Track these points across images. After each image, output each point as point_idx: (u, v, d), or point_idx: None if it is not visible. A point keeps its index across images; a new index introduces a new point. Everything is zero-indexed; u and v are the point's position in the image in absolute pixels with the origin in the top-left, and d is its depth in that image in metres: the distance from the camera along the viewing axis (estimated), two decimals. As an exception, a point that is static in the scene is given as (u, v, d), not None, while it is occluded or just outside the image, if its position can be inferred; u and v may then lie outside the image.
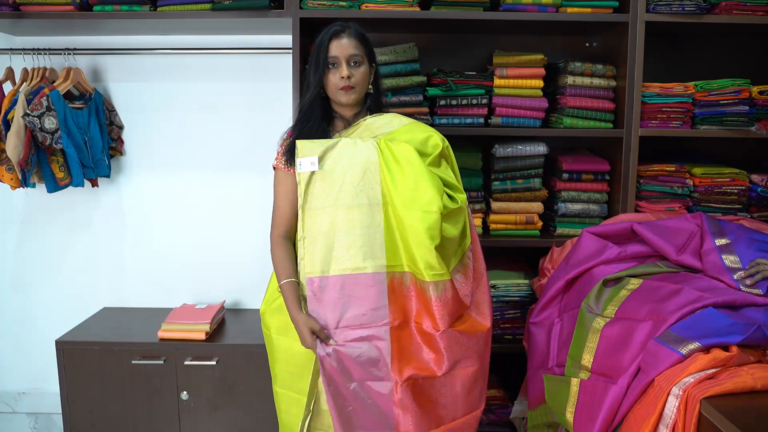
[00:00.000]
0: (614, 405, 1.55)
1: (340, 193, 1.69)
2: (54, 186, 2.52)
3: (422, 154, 1.76)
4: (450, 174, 1.79)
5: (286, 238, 1.79)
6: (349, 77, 1.73)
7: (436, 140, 1.78)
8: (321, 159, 1.70)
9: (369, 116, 1.83)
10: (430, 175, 1.69)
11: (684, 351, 1.46)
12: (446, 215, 1.68)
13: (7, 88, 2.55)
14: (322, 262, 1.68)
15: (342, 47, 1.74)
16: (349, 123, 1.83)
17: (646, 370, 1.51)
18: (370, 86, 1.83)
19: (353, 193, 1.69)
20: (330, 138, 1.79)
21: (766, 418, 1.29)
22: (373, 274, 1.67)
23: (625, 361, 1.58)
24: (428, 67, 2.44)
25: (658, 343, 1.51)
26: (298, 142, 1.72)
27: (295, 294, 1.72)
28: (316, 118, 1.79)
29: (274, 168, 1.83)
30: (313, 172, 1.69)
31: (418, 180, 1.68)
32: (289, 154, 1.77)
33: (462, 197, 1.76)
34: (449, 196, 1.74)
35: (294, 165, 1.75)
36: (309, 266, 1.69)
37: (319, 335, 1.67)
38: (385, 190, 1.70)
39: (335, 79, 1.75)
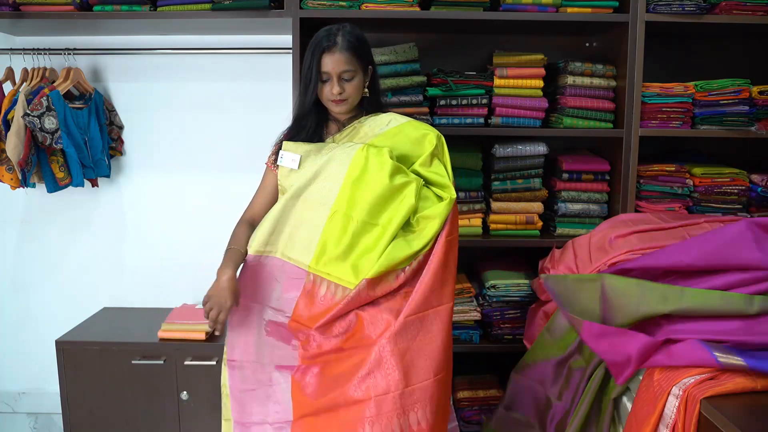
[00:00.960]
0: None
1: (303, 187, 1.73)
2: (54, 186, 2.52)
3: (414, 156, 1.77)
4: (441, 172, 1.78)
5: (249, 223, 1.84)
6: (340, 93, 1.75)
7: (431, 138, 1.78)
8: (302, 160, 1.76)
9: (364, 117, 1.84)
10: (393, 186, 1.69)
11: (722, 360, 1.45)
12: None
13: (7, 88, 2.55)
14: (265, 241, 1.74)
15: (333, 63, 1.74)
16: (343, 125, 1.85)
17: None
18: (366, 90, 1.83)
19: (313, 191, 1.73)
20: (323, 140, 1.83)
21: (766, 418, 1.29)
22: (298, 268, 1.71)
23: None
24: (428, 67, 2.44)
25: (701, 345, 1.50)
26: (285, 143, 1.79)
27: (235, 258, 1.74)
28: (310, 120, 1.82)
29: (266, 165, 1.89)
30: (291, 170, 1.76)
31: (379, 188, 1.68)
32: (278, 154, 1.81)
33: (449, 195, 1.73)
34: (438, 197, 1.75)
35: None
36: (254, 242, 1.75)
37: (236, 300, 1.69)
38: (340, 197, 1.70)
39: (327, 92, 1.77)
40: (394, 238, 1.67)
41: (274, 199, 1.86)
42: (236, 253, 1.76)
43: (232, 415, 1.77)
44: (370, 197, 1.69)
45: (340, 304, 1.65)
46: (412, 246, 1.67)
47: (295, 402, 1.69)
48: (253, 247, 1.74)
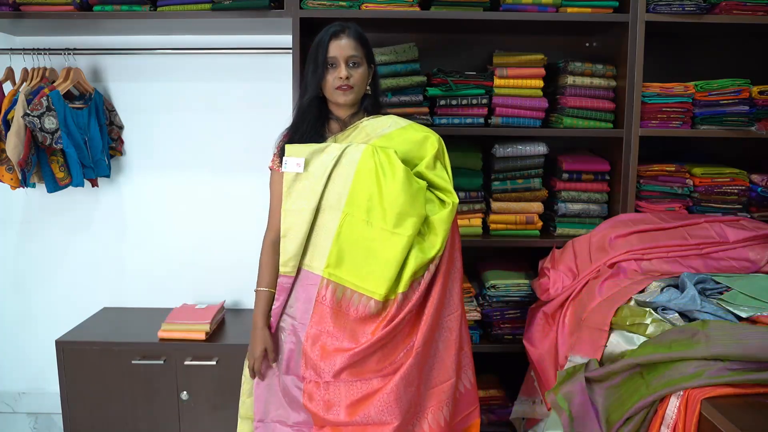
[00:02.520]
0: None
1: (315, 195, 1.71)
2: (54, 186, 2.52)
3: (416, 158, 1.77)
4: (444, 176, 1.78)
5: (276, 243, 1.80)
6: (347, 78, 1.73)
7: (433, 141, 1.78)
8: (307, 162, 1.73)
9: (365, 118, 1.83)
10: (410, 191, 1.69)
11: None
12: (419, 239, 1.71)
13: (7, 88, 2.55)
14: (293, 261, 1.74)
15: (341, 48, 1.73)
16: (345, 125, 1.83)
17: None
18: (368, 87, 1.83)
19: (327, 197, 1.72)
20: (325, 139, 1.80)
21: (766, 419, 1.29)
22: (314, 274, 1.73)
23: None
24: (428, 67, 2.44)
25: None
26: (287, 146, 1.76)
27: (266, 304, 1.80)
28: (311, 119, 1.80)
29: (270, 169, 1.84)
30: (297, 174, 1.73)
31: (397, 197, 1.68)
32: (282, 155, 1.78)
33: (453, 200, 1.75)
34: (440, 200, 1.76)
35: None
36: (281, 265, 1.76)
37: (268, 355, 1.78)
38: (350, 199, 1.70)
39: (333, 79, 1.75)
40: (410, 246, 1.67)
41: None
42: (266, 297, 1.81)
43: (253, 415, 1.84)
44: (385, 202, 1.68)
45: (388, 317, 1.67)
46: (427, 254, 1.69)
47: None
48: (284, 270, 1.76)
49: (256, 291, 1.82)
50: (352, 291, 1.69)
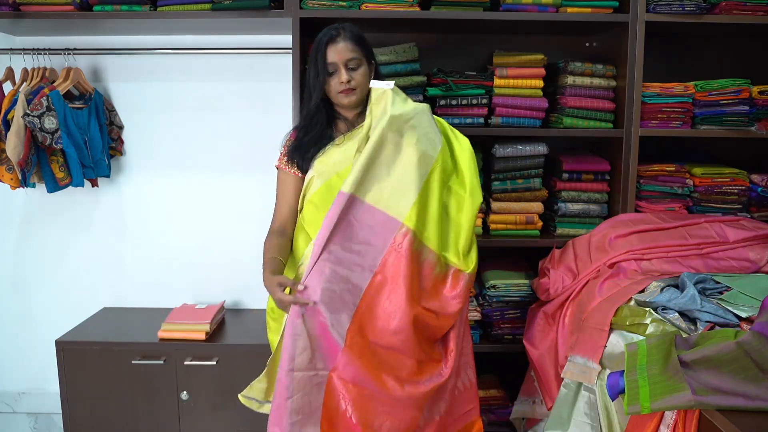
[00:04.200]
0: None
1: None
2: (54, 186, 2.52)
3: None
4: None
5: (280, 233, 1.78)
6: (349, 81, 1.74)
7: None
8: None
9: None
10: (474, 165, 1.83)
11: None
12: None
13: (7, 88, 2.55)
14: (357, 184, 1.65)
15: (338, 52, 1.74)
16: (352, 125, 1.84)
17: None
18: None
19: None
20: (333, 140, 1.81)
21: (765, 419, 1.29)
22: (389, 216, 1.67)
23: None
24: (428, 67, 2.44)
25: None
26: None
27: (274, 266, 1.67)
28: (319, 121, 1.80)
29: (277, 168, 1.84)
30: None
31: (470, 163, 1.82)
32: (291, 155, 1.78)
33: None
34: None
35: (294, 166, 1.79)
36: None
37: (287, 284, 1.61)
38: (440, 153, 1.77)
39: (335, 84, 1.76)
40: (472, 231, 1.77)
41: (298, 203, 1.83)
42: (274, 261, 1.69)
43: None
44: (460, 164, 1.82)
45: (461, 292, 1.73)
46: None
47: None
48: (344, 187, 1.65)
49: (264, 260, 1.69)
50: (429, 250, 1.69)
